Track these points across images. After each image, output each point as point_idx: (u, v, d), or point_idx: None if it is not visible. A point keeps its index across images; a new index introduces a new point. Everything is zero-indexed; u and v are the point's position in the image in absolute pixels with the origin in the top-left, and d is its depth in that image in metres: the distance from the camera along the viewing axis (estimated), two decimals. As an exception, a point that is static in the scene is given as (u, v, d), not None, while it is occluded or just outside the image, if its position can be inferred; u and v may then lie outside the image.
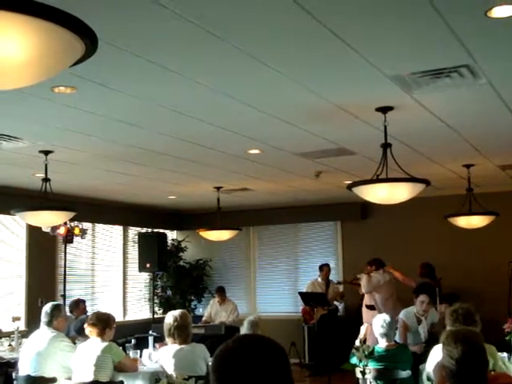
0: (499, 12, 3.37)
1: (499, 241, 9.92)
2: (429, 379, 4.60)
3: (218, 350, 1.65)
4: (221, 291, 10.69)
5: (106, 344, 5.37)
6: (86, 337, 5.61)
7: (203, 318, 10.62)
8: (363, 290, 8.88)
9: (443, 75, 4.45)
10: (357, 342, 5.76)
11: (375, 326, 5.57)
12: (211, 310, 10.68)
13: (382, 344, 5.46)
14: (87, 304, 9.04)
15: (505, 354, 5.61)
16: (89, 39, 1.93)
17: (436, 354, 4.77)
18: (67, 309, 8.56)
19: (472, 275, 9.66)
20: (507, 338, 6.16)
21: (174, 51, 3.88)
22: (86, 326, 5.54)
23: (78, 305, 8.56)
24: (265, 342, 1.65)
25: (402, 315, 7.02)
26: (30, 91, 4.44)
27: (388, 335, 5.48)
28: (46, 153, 6.58)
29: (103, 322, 5.48)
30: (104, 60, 3.76)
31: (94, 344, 5.39)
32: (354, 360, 5.27)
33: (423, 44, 3.90)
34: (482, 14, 3.38)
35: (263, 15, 3.39)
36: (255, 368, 1.58)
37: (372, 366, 5.21)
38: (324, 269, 10.72)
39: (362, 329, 5.69)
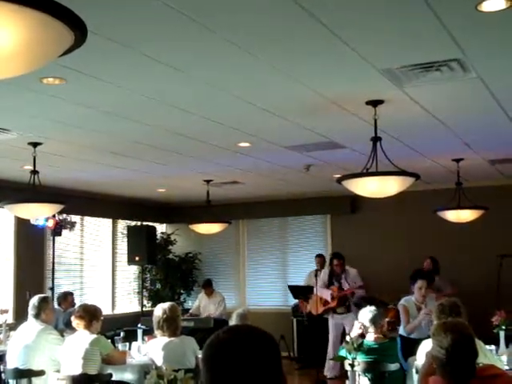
0: (489, 6, 3.37)
1: (488, 235, 9.96)
2: (417, 372, 4.62)
3: (209, 341, 1.64)
4: (208, 284, 10.70)
5: (93, 337, 5.36)
6: (74, 329, 5.60)
7: (190, 311, 10.63)
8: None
9: (433, 69, 4.46)
10: (347, 338, 5.78)
11: (362, 317, 5.60)
12: (199, 303, 10.68)
13: (371, 336, 5.48)
14: (76, 297, 9.01)
15: (493, 347, 5.66)
16: (78, 29, 1.91)
17: (425, 348, 4.81)
18: (55, 302, 8.53)
19: (461, 269, 9.69)
20: (495, 330, 6.19)
21: (164, 43, 3.86)
22: (72, 318, 5.53)
23: (66, 297, 8.53)
24: (255, 332, 1.65)
25: (402, 301, 7.00)
26: (19, 82, 4.41)
27: (374, 322, 5.50)
28: (35, 145, 6.54)
29: (90, 314, 5.47)
30: (93, 51, 3.74)
31: (81, 337, 5.37)
32: (342, 352, 5.29)
33: (414, 37, 3.90)
34: (473, 8, 3.39)
35: (255, 8, 3.38)
36: (246, 358, 1.58)
37: (361, 359, 5.23)
38: (317, 259, 10.68)
39: (356, 325, 5.70)
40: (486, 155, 8.05)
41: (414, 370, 4.92)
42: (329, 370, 9.13)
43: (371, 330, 5.52)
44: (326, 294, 9.33)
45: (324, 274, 9.57)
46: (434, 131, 6.49)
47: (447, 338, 2.97)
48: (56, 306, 8.37)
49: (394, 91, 4.99)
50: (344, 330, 9.01)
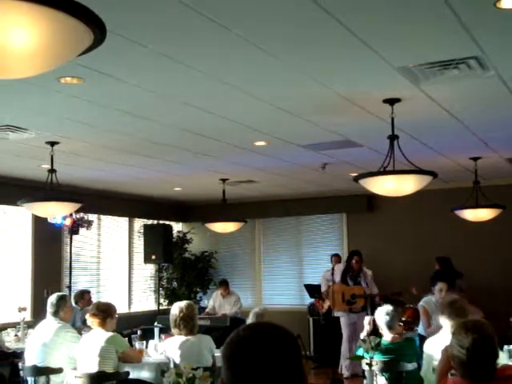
0: (509, 3, 3.34)
1: (506, 234, 9.89)
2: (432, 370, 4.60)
3: (229, 338, 1.64)
4: (224, 284, 10.71)
5: (109, 335, 5.39)
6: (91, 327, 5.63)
7: (206, 310, 10.65)
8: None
9: (451, 67, 4.43)
10: (361, 336, 5.75)
11: (378, 318, 5.56)
12: (214, 303, 10.70)
13: (388, 337, 5.45)
14: (92, 295, 9.06)
15: (511, 347, 5.61)
16: (97, 28, 1.92)
17: (431, 346, 4.80)
18: (72, 300, 8.58)
19: (479, 268, 9.63)
20: (514, 330, 6.16)
21: (182, 43, 3.86)
22: (87, 316, 5.57)
23: (83, 296, 8.58)
24: (276, 329, 1.65)
25: (422, 302, 6.98)
26: (37, 82, 4.44)
27: (391, 325, 5.47)
28: (52, 144, 6.58)
29: (104, 311, 5.50)
30: (111, 51, 3.75)
31: (97, 335, 5.40)
32: (360, 352, 5.27)
33: (431, 35, 3.88)
34: (491, 5, 3.36)
35: (273, 7, 3.37)
36: (268, 355, 1.57)
37: (378, 359, 5.21)
38: (333, 258, 10.65)
39: (366, 320, 5.67)
40: (504, 153, 7.99)
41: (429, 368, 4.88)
42: (345, 369, 9.10)
43: (387, 331, 5.49)
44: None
45: (338, 269, 9.51)
46: (452, 129, 6.45)
47: (468, 338, 2.94)
48: (73, 304, 8.42)
49: (411, 89, 4.96)
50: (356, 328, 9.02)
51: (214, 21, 3.49)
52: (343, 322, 9.29)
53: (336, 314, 9.44)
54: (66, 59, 2.07)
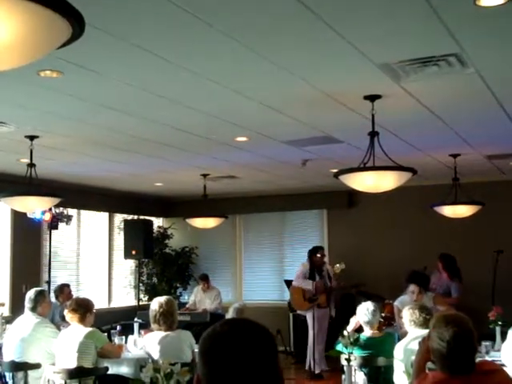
0: (488, 0, 3.36)
1: (484, 231, 9.98)
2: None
3: (206, 334, 1.63)
4: (204, 278, 10.74)
5: (88, 330, 5.37)
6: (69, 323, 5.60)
7: (187, 305, 10.65)
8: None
9: (431, 63, 4.45)
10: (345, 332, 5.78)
11: (359, 314, 5.60)
12: (195, 298, 10.71)
13: (368, 332, 5.49)
14: (72, 291, 8.99)
15: (488, 343, 5.68)
16: (76, 21, 1.90)
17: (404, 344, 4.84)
18: (52, 295, 8.53)
19: (459, 264, 9.68)
20: (491, 325, 6.21)
21: (162, 37, 3.84)
22: (65, 312, 5.53)
23: (63, 290, 8.50)
24: (252, 325, 1.65)
25: (397, 302, 7.02)
26: (16, 75, 4.39)
27: (371, 323, 5.52)
28: (32, 138, 6.52)
29: (83, 306, 5.48)
30: (91, 44, 3.72)
31: (76, 330, 5.38)
32: (339, 347, 5.29)
33: (412, 32, 3.90)
34: (471, 3, 3.38)
35: (253, 2, 3.37)
36: (243, 351, 1.57)
37: (357, 354, 5.24)
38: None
39: (352, 320, 5.70)
40: (484, 151, 8.05)
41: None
42: (317, 367, 9.11)
43: (367, 327, 5.53)
44: (307, 286, 9.29)
45: (304, 267, 9.54)
46: (432, 126, 6.48)
47: (448, 330, 2.95)
48: (53, 299, 8.38)
49: (391, 86, 4.98)
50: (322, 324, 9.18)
51: (197, 16, 3.48)
52: (308, 318, 9.31)
53: (301, 312, 9.51)
54: (43, 52, 2.05)
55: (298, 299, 9.38)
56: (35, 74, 4.44)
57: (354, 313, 5.73)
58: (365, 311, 5.55)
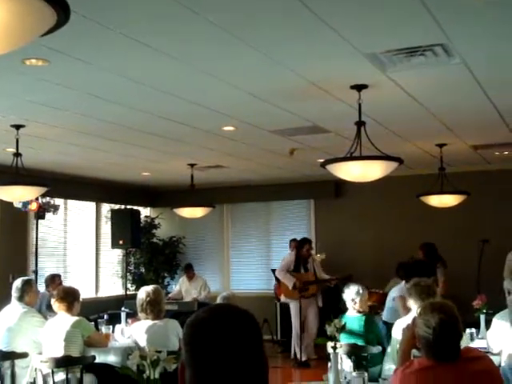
0: (474, -10, 3.38)
1: (470, 220, 10.05)
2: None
3: (189, 320, 1.61)
4: (189, 268, 10.78)
5: (75, 319, 5.38)
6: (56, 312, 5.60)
7: (169, 295, 10.62)
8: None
9: (417, 54, 4.47)
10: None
11: (346, 294, 5.80)
12: (181, 288, 10.74)
13: (352, 312, 5.66)
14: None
15: (473, 330, 5.74)
16: (61, 8, 1.89)
17: (400, 326, 4.87)
18: (43, 285, 8.53)
19: (443, 254, 9.74)
20: (476, 314, 6.27)
21: (149, 25, 3.83)
22: (53, 301, 5.53)
23: (54, 279, 8.50)
24: (236, 310, 1.63)
25: (399, 293, 6.88)
26: (0, 63, 4.37)
27: (355, 300, 5.76)
28: (18, 127, 6.48)
29: (71, 295, 5.49)
30: (77, 33, 3.71)
31: (63, 319, 5.38)
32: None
33: (398, 22, 3.91)
34: (457, -7, 3.39)
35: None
36: (227, 337, 1.55)
37: (344, 340, 5.31)
38: (292, 244, 10.66)
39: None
40: (469, 140, 8.10)
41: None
42: (304, 355, 9.17)
43: (355, 305, 5.69)
44: (289, 282, 9.34)
45: (290, 257, 9.60)
46: (418, 116, 6.51)
47: (434, 317, 2.98)
48: (44, 289, 8.37)
49: (378, 76, 4.99)
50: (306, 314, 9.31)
51: (183, 4, 3.47)
52: (293, 308, 9.36)
53: (284, 300, 9.56)
54: (28, 39, 2.04)
55: (287, 288, 9.42)
56: (21, 63, 4.41)
57: (339, 301, 5.88)
58: (351, 290, 5.81)
